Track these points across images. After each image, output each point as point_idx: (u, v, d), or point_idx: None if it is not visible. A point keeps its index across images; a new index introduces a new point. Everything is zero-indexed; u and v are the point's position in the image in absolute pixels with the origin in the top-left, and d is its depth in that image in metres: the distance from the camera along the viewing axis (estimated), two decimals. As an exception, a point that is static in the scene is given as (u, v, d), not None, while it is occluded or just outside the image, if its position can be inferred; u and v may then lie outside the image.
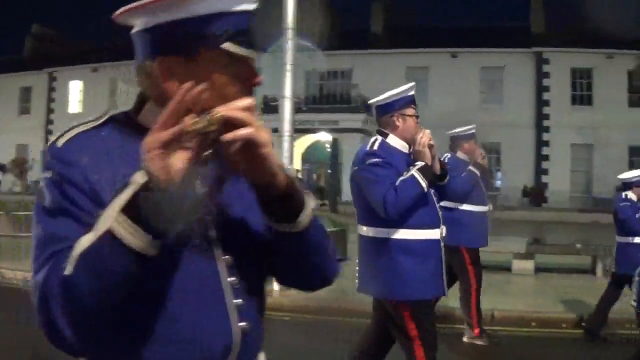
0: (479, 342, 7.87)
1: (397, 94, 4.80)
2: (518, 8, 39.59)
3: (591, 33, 36.45)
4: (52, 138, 1.53)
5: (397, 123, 4.75)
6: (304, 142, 40.67)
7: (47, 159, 1.49)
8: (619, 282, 8.14)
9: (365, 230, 4.76)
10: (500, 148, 41.47)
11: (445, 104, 38.98)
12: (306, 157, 42.06)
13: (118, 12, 1.49)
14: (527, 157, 41.17)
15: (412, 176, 4.52)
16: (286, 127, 10.14)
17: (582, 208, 34.97)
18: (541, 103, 41.17)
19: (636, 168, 8.98)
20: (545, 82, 40.96)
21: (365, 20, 47.10)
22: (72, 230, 1.39)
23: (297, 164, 36.43)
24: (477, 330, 7.86)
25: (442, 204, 6.25)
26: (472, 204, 7.71)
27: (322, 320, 9.15)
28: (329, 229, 13.45)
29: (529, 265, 12.60)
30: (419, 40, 39.86)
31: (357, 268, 4.93)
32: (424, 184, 4.52)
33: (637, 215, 7.95)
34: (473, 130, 8.26)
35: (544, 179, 40.61)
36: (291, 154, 10.34)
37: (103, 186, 1.43)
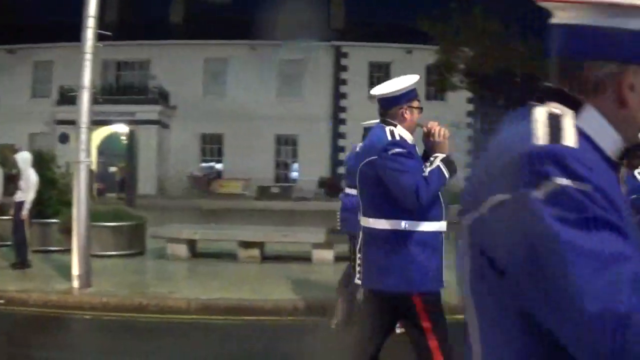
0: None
1: (407, 87, 4.77)
2: (318, 2, 39.82)
3: (391, 28, 37.66)
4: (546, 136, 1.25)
5: (406, 115, 4.74)
6: (100, 134, 39.24)
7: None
8: None
9: (376, 222, 4.64)
10: (298, 140, 42.05)
11: (244, 96, 39.06)
12: (101, 149, 40.62)
13: None
14: (324, 149, 41.95)
15: (439, 167, 4.56)
16: (84, 119, 9.86)
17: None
18: (338, 96, 42.11)
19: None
20: (344, 75, 41.97)
21: (165, 10, 46.08)
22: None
23: (93, 157, 35.09)
24: None
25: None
26: None
27: (122, 318, 8.79)
28: (127, 223, 13.06)
29: (328, 254, 12.70)
30: (217, 31, 39.51)
31: (357, 262, 4.89)
32: (447, 175, 4.56)
33: None
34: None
35: (340, 170, 41.64)
36: (88, 146, 10.01)
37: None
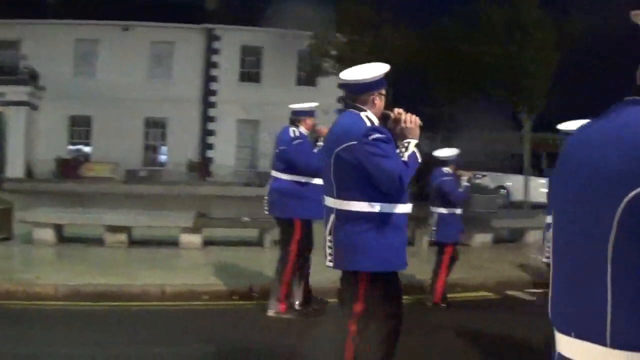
0: (286, 316, 8.10)
1: (380, 74, 4.95)
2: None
3: (264, 12, 37.67)
4: None
5: (376, 102, 4.95)
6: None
7: None
8: (440, 249, 9.12)
9: (351, 204, 4.78)
10: (167, 123, 41.53)
11: (114, 78, 38.25)
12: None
13: None
14: (193, 133, 41.63)
15: (414, 152, 4.86)
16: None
17: (248, 182, 36.06)
18: (209, 79, 41.83)
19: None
20: (215, 58, 41.57)
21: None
22: None
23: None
24: (283, 306, 8.13)
25: (295, 178, 7.67)
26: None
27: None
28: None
29: (196, 239, 12.82)
30: (89, 11, 38.45)
31: (327, 245, 4.91)
32: (420, 159, 4.86)
33: (459, 189, 8.98)
34: (314, 108, 8.38)
35: (210, 153, 41.43)
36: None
37: None
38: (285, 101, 10.47)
